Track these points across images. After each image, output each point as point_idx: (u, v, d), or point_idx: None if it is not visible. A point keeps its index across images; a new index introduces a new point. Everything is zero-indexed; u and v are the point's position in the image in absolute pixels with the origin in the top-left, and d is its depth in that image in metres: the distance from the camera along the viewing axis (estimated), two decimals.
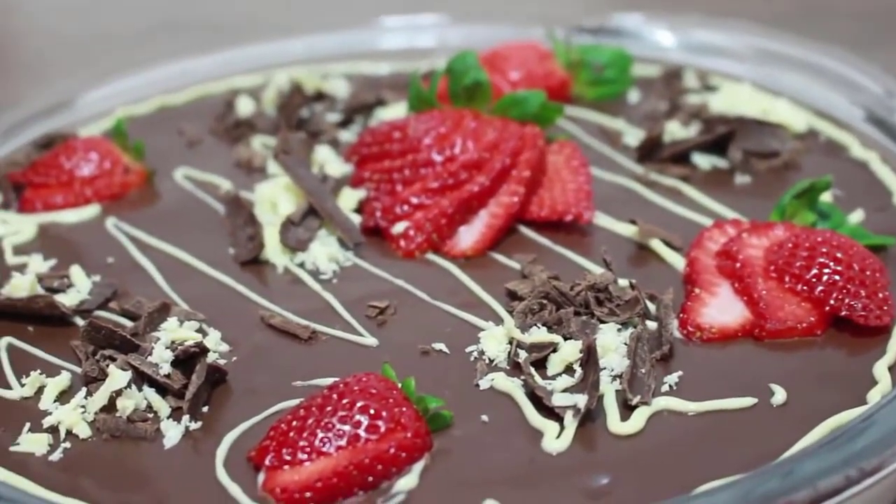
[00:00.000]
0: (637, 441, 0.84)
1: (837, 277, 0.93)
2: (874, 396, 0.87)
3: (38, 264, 1.07)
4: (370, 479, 0.81)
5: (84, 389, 0.90)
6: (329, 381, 0.88)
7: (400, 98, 1.29)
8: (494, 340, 0.93)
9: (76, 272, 1.04)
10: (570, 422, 0.84)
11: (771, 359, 0.91)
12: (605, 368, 0.88)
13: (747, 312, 0.95)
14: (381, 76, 1.42)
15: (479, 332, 0.94)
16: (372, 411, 0.82)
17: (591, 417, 0.85)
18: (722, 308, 0.95)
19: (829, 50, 1.33)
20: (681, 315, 0.95)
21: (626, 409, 0.86)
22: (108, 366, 0.90)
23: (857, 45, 1.57)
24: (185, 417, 0.88)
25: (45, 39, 2.00)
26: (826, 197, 1.05)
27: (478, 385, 0.90)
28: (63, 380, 0.92)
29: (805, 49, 1.35)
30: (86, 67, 1.47)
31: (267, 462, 0.81)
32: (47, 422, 0.88)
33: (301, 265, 1.05)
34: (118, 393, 0.88)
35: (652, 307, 0.95)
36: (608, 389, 0.87)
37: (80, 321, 0.99)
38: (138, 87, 1.41)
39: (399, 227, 1.06)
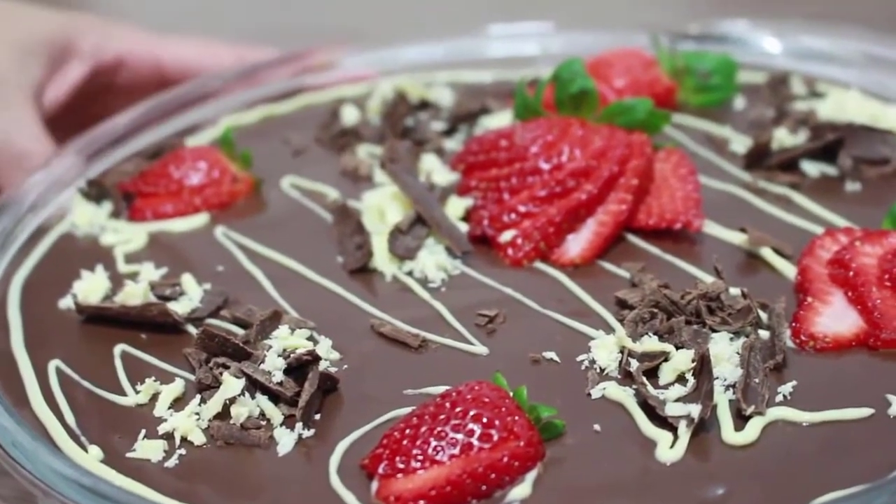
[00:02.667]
0: (752, 452, 0.83)
1: None
2: None
3: (150, 272, 1.08)
4: (483, 487, 0.81)
5: (198, 397, 0.91)
6: (440, 389, 0.88)
7: (504, 106, 1.29)
8: (605, 349, 0.92)
9: (187, 280, 1.06)
10: (684, 431, 0.84)
11: (887, 369, 0.90)
12: (718, 378, 0.88)
13: (861, 322, 0.93)
14: (485, 84, 1.42)
15: (590, 340, 0.94)
16: (485, 420, 0.82)
17: (704, 427, 0.85)
18: (835, 317, 0.94)
19: None
20: (793, 324, 0.94)
21: (740, 420, 0.85)
22: (221, 373, 0.91)
23: None
24: (299, 425, 0.88)
25: None
26: None
27: (589, 394, 0.89)
28: (177, 387, 0.93)
29: None
30: None
31: (380, 470, 0.82)
32: (162, 428, 0.89)
33: (409, 274, 1.05)
34: (232, 400, 0.89)
35: (764, 316, 0.94)
36: (721, 399, 0.86)
37: (192, 329, 1.00)
38: (242, 97, 1.42)
39: (507, 236, 1.06)
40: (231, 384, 0.89)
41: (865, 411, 0.86)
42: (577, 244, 1.06)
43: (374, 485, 0.82)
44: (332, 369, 0.94)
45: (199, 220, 1.17)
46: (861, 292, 0.94)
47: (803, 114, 1.23)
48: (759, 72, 1.36)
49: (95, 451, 0.88)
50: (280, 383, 0.90)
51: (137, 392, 0.94)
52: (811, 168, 1.17)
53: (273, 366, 0.91)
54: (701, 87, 1.32)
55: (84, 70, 1.37)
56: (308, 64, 1.42)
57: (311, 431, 0.88)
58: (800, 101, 1.29)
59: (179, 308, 1.02)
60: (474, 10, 2.12)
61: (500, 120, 1.27)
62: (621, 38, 1.42)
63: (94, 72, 1.37)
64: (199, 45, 1.43)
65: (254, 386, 0.90)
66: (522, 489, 0.81)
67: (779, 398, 0.87)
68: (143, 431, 0.90)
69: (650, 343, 0.91)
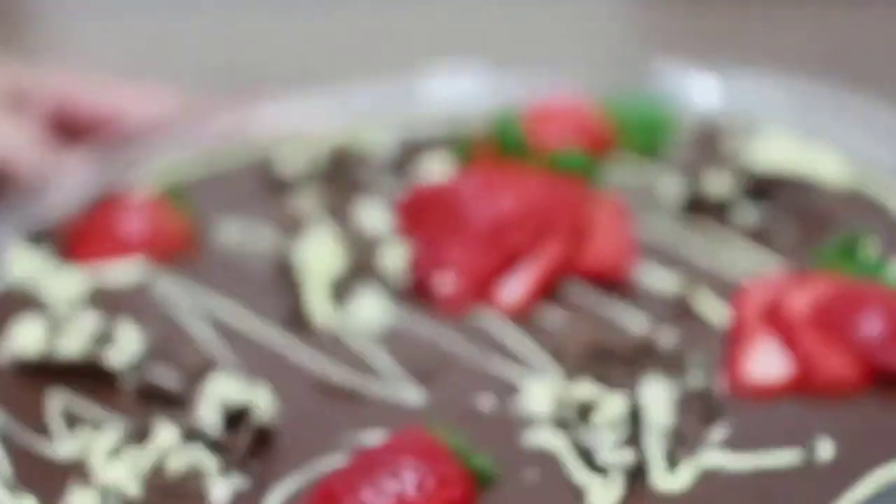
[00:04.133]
0: (684, 497, 0.84)
1: (883, 330, 0.93)
2: None
3: (87, 321, 1.07)
4: None
5: (132, 446, 0.91)
6: (376, 437, 0.89)
7: (443, 153, 1.30)
8: (539, 395, 0.93)
9: (125, 329, 1.05)
10: (617, 478, 0.84)
11: (818, 413, 0.91)
12: (651, 424, 0.88)
13: (793, 366, 0.94)
14: (425, 129, 1.42)
15: (524, 387, 0.95)
16: (419, 469, 0.82)
17: (637, 474, 0.85)
18: (767, 362, 0.95)
19: (872, 99, 1.33)
20: (725, 370, 0.95)
21: (673, 466, 0.86)
22: (156, 423, 0.91)
23: None
24: (234, 474, 0.88)
25: None
26: (869, 250, 1.05)
27: (523, 442, 0.90)
28: (112, 437, 0.93)
29: (850, 99, 1.34)
30: None
31: None
32: (95, 479, 0.89)
33: (347, 321, 1.06)
34: (167, 450, 0.89)
35: (697, 362, 0.95)
36: (654, 445, 0.87)
37: (128, 378, 1.00)
38: (189, 144, 1.42)
39: (444, 283, 1.07)
40: (165, 434, 0.89)
41: (796, 456, 0.87)
42: (513, 290, 1.07)
43: None
44: (269, 418, 0.94)
45: (139, 267, 1.17)
46: (792, 337, 0.95)
47: (735, 157, 1.24)
48: (694, 115, 1.37)
49: (28, 503, 0.88)
50: (216, 432, 0.90)
51: (71, 442, 0.93)
52: (744, 213, 1.18)
53: (209, 415, 0.91)
54: (635, 132, 1.33)
55: (37, 121, 1.36)
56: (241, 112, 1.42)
57: (247, 482, 0.88)
58: (734, 145, 1.30)
59: (116, 357, 1.02)
60: (417, 51, 2.13)
61: (439, 166, 1.28)
62: (558, 83, 1.43)
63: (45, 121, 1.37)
64: (136, 92, 1.42)
65: (189, 435, 0.90)
66: None
67: (711, 444, 0.88)
68: (76, 483, 0.89)
69: (584, 389, 0.91)
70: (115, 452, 0.92)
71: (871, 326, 0.94)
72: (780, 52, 1.96)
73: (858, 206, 1.19)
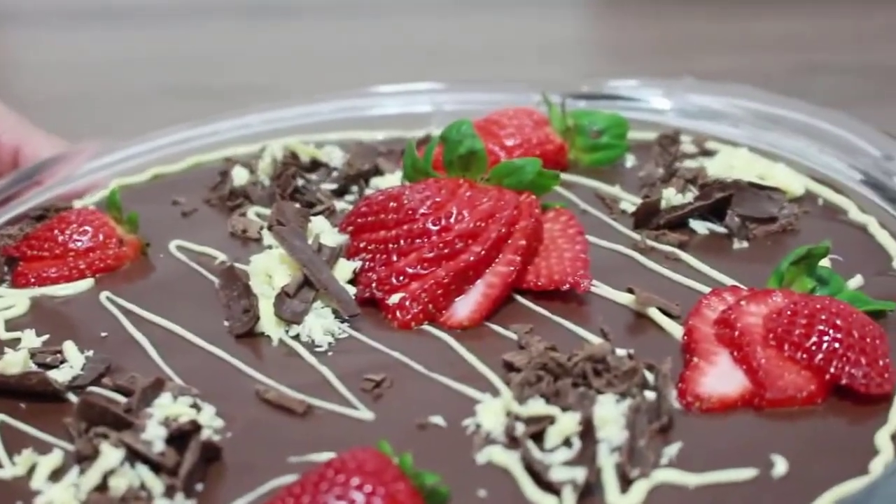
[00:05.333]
0: None
1: (837, 345, 0.93)
2: (876, 466, 0.85)
3: (31, 339, 1.06)
4: None
5: (77, 468, 0.89)
6: (325, 456, 0.87)
7: (396, 167, 1.29)
8: (491, 413, 0.91)
9: (69, 347, 1.04)
10: (569, 496, 0.83)
11: (771, 428, 0.90)
12: (603, 441, 0.87)
13: (747, 381, 0.93)
14: (377, 144, 1.41)
15: (476, 404, 0.93)
16: (368, 488, 0.81)
17: (589, 492, 0.84)
18: (721, 377, 0.94)
19: (825, 113, 1.33)
20: (679, 385, 0.94)
21: (626, 483, 0.85)
22: (100, 443, 0.89)
23: (857, 102, 1.57)
24: (179, 496, 0.86)
25: (40, 102, 2.00)
26: (825, 262, 1.04)
27: (475, 459, 0.88)
28: (55, 458, 0.91)
29: (801, 112, 1.34)
30: (78, 132, 1.47)
31: None
32: (38, 501, 0.87)
33: (296, 337, 1.04)
34: (111, 471, 0.87)
35: (650, 377, 0.94)
36: (607, 462, 0.86)
37: (73, 398, 0.98)
38: (133, 157, 1.41)
39: (395, 298, 1.05)
40: (110, 455, 0.87)
41: (750, 472, 0.86)
42: (465, 306, 1.05)
43: None
44: (216, 437, 0.92)
45: (84, 284, 1.16)
46: (746, 352, 0.94)
47: (692, 172, 1.24)
48: (650, 131, 1.37)
49: None
50: (161, 453, 0.88)
51: (14, 464, 0.91)
52: (699, 226, 1.17)
53: (154, 435, 0.89)
54: (591, 146, 1.33)
55: None
56: None
57: (193, 502, 0.87)
58: (689, 159, 1.30)
59: (60, 376, 1.00)
60: (371, 68, 2.13)
61: (390, 181, 1.27)
62: (513, 96, 1.43)
63: None
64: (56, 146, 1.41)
65: (134, 456, 0.88)
66: None
67: (664, 460, 0.87)
68: None
69: (536, 406, 0.90)
70: (59, 473, 0.90)
71: (825, 341, 0.93)
72: (737, 66, 1.97)
73: (814, 217, 1.19)
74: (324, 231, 1.15)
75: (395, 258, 1.07)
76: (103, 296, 1.13)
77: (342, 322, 1.05)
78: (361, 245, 1.10)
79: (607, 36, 2.46)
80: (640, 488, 0.84)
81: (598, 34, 2.49)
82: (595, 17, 2.61)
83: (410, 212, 1.08)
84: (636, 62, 2.16)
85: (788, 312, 0.95)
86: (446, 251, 1.06)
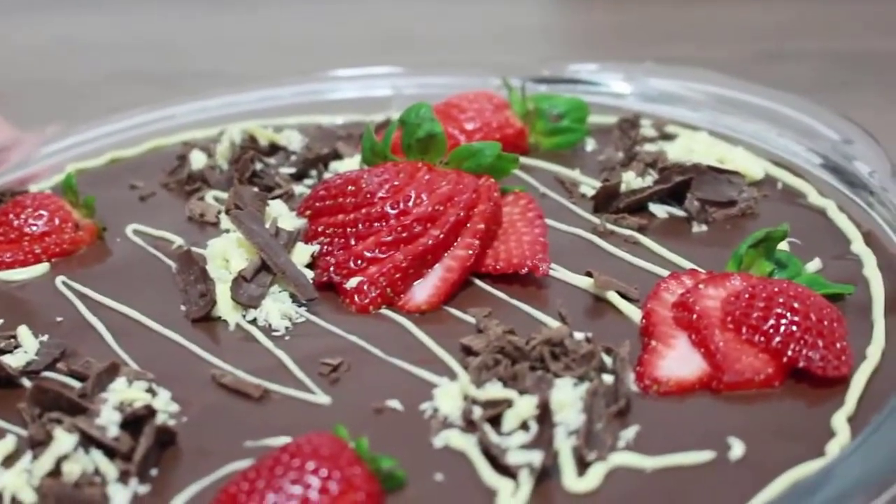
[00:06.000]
0: (594, 499, 0.83)
1: (795, 328, 0.93)
2: (833, 449, 0.85)
3: None
4: None
5: (30, 453, 0.88)
6: (281, 440, 0.87)
7: (355, 150, 1.29)
8: (449, 397, 0.91)
9: (24, 332, 1.03)
10: (526, 480, 0.83)
11: (729, 411, 0.90)
12: (560, 424, 0.87)
13: (704, 365, 0.93)
14: (336, 128, 1.41)
15: (434, 388, 0.93)
16: (324, 473, 0.80)
17: (546, 475, 0.84)
18: (679, 360, 0.94)
19: (785, 97, 1.33)
20: (637, 368, 0.94)
21: (583, 466, 0.84)
22: (54, 429, 0.88)
23: (816, 88, 1.57)
24: (133, 481, 0.86)
25: None
26: (783, 246, 1.04)
27: (432, 443, 0.88)
28: (8, 443, 0.90)
29: (761, 96, 1.35)
30: (36, 117, 1.46)
31: None
32: None
33: (253, 322, 1.03)
34: (64, 457, 0.86)
35: (608, 361, 0.93)
36: (564, 446, 0.85)
37: (27, 383, 0.97)
38: (90, 141, 1.40)
39: (353, 282, 1.05)
40: (63, 440, 0.86)
41: (707, 455, 0.85)
42: (423, 290, 1.05)
43: None
44: (171, 422, 0.92)
45: (39, 269, 1.15)
46: (704, 335, 0.94)
47: (652, 156, 1.23)
48: (610, 115, 1.37)
49: None
50: (115, 438, 0.87)
51: None
52: (659, 210, 1.17)
53: (108, 420, 0.88)
54: (552, 130, 1.33)
55: None
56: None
57: (147, 487, 0.86)
58: (649, 143, 1.30)
59: (14, 361, 0.99)
60: (331, 53, 2.12)
61: (350, 164, 1.27)
62: (473, 80, 1.42)
63: None
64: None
65: (88, 441, 0.87)
66: None
67: (621, 444, 0.87)
68: None
69: (493, 390, 0.90)
70: (11, 459, 0.89)
71: (783, 324, 0.93)
72: (700, 53, 1.97)
73: (773, 200, 1.19)
74: (282, 215, 1.14)
75: (353, 242, 1.07)
76: (59, 280, 1.12)
77: (300, 306, 1.05)
78: (319, 229, 1.09)
79: (571, 23, 2.46)
80: (597, 472, 0.84)
81: (561, 21, 2.49)
82: (559, 3, 2.61)
83: (369, 195, 1.08)
84: (599, 49, 2.16)
85: (746, 296, 0.95)
86: (405, 235, 1.05)
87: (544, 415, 0.86)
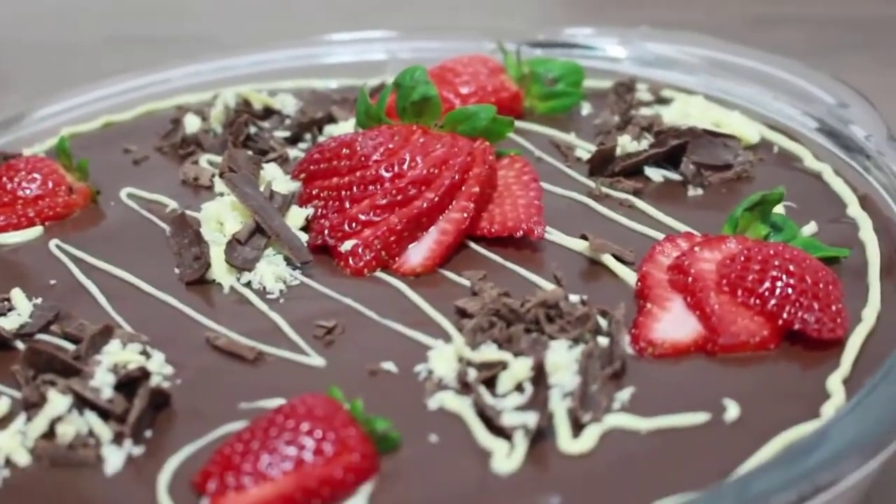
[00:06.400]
0: (589, 460, 0.83)
1: (790, 291, 0.92)
2: (828, 410, 0.85)
3: None
4: (317, 502, 0.79)
5: (24, 415, 0.88)
6: (275, 402, 0.86)
7: (349, 114, 1.28)
8: (443, 359, 0.91)
9: (17, 295, 1.02)
10: (521, 441, 0.83)
11: (724, 374, 0.90)
12: (555, 386, 0.87)
13: (700, 327, 0.93)
14: (331, 92, 1.40)
15: (428, 350, 0.93)
16: (318, 434, 0.80)
17: (541, 436, 0.84)
18: (674, 323, 0.94)
19: (780, 60, 1.33)
20: (633, 330, 0.94)
21: (578, 428, 0.84)
22: (47, 391, 0.88)
23: (811, 52, 1.57)
24: (128, 442, 0.86)
25: None
26: (779, 209, 1.04)
27: (426, 405, 0.88)
28: (2, 405, 0.90)
29: (757, 60, 1.34)
30: (31, 82, 1.45)
31: (210, 488, 0.79)
32: None
33: (248, 285, 1.03)
34: (58, 418, 0.86)
35: (604, 323, 0.93)
36: (559, 407, 0.85)
37: (21, 345, 0.97)
38: (84, 105, 1.40)
39: (347, 245, 1.04)
40: (57, 402, 0.86)
41: (702, 416, 0.85)
42: (418, 253, 1.05)
43: (205, 503, 0.80)
44: (165, 384, 0.91)
45: (33, 232, 1.15)
46: (699, 298, 0.94)
47: (648, 119, 1.23)
48: (606, 78, 1.36)
49: None
50: (109, 400, 0.87)
51: None
52: (654, 173, 1.17)
53: (103, 382, 0.88)
54: (547, 94, 1.32)
55: None
56: None
57: (141, 449, 0.86)
58: (645, 107, 1.30)
59: (7, 324, 0.99)
60: (328, 17, 2.11)
61: (344, 128, 1.26)
62: (468, 44, 1.41)
63: None
64: None
65: (82, 403, 0.87)
66: (356, 503, 0.80)
67: (616, 405, 0.87)
68: None
69: (488, 352, 0.90)
70: (5, 421, 0.89)
71: (778, 287, 0.93)
72: (696, 18, 1.96)
73: (769, 164, 1.19)
74: (276, 178, 1.14)
75: (347, 205, 1.06)
76: (52, 244, 1.12)
77: (294, 269, 1.04)
78: (314, 192, 1.09)
79: None
80: (592, 433, 0.84)
81: None
82: None
83: (363, 158, 1.07)
84: (594, 13, 2.15)
85: (742, 258, 0.95)
86: (399, 198, 1.05)
87: (539, 376, 0.86)
